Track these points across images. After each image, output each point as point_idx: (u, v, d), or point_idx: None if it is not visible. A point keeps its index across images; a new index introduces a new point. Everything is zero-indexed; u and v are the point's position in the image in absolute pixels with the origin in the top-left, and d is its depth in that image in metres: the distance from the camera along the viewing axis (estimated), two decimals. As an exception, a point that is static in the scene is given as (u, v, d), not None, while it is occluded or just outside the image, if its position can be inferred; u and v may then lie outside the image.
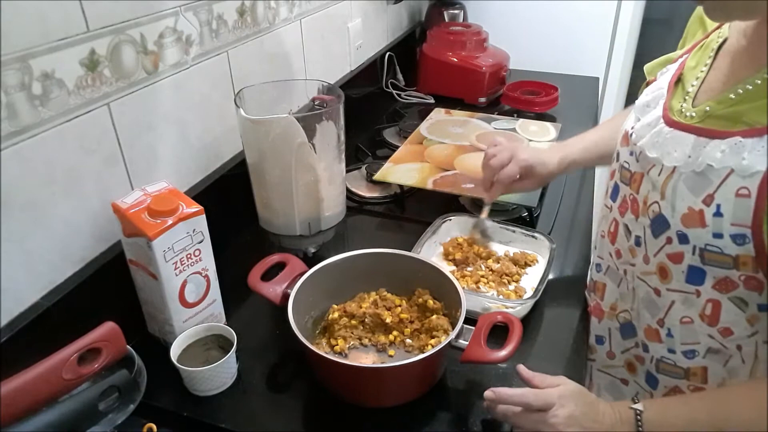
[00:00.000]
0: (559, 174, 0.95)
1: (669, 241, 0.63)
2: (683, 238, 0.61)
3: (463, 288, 0.76)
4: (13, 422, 0.56)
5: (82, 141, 0.72)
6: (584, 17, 1.92)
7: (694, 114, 0.63)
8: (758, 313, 0.61)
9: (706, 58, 0.66)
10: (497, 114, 1.54)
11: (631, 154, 0.70)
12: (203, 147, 0.96)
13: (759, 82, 0.57)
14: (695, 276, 0.62)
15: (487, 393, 0.65)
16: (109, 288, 0.76)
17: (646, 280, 0.69)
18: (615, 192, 0.75)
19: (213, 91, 0.96)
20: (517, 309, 0.82)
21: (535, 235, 0.96)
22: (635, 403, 0.63)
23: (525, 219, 1.09)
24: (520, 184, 0.93)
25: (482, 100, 1.63)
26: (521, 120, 1.46)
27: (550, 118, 1.51)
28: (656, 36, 3.44)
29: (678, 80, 0.69)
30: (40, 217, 0.68)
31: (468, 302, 0.73)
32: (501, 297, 0.86)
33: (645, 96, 0.73)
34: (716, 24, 0.68)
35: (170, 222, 0.70)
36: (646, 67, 0.84)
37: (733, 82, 0.60)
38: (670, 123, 0.64)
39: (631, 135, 0.71)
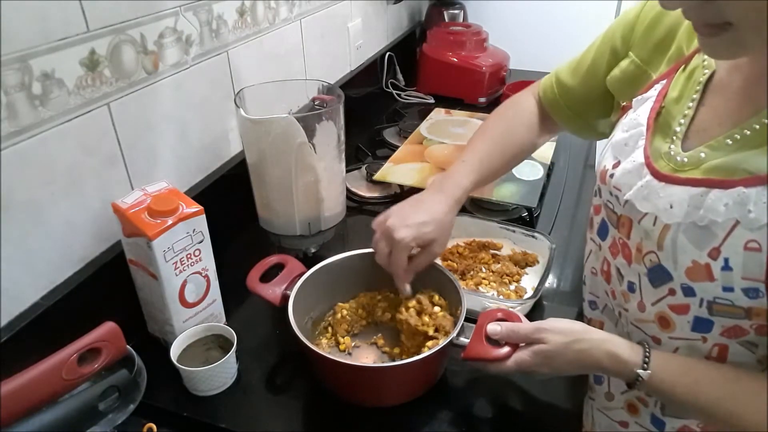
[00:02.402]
0: (452, 219, 0.79)
1: (672, 292, 0.58)
2: (689, 291, 0.56)
3: (464, 288, 0.76)
4: (13, 422, 0.57)
5: (82, 141, 0.72)
6: (584, 17, 1.92)
7: (686, 159, 0.57)
8: None
9: (692, 92, 0.60)
10: (497, 114, 1.54)
11: (612, 194, 0.64)
12: (203, 147, 0.96)
13: (757, 126, 0.53)
14: (702, 326, 0.57)
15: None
16: (109, 288, 0.76)
17: (642, 327, 0.64)
18: (603, 230, 0.68)
19: (213, 91, 0.96)
20: (517, 309, 0.82)
21: (535, 235, 0.96)
22: (645, 363, 0.58)
23: (525, 219, 1.09)
24: (423, 256, 0.76)
25: (482, 100, 1.63)
26: (521, 120, 1.46)
27: (550, 118, 1.51)
28: (656, 36, 3.45)
29: (658, 114, 0.62)
30: (40, 217, 0.68)
31: (468, 302, 0.73)
32: (501, 297, 0.86)
33: (622, 131, 0.65)
34: (694, 44, 0.62)
35: (170, 222, 0.70)
36: (610, 82, 0.74)
37: (729, 124, 0.55)
38: (660, 176, 0.58)
39: (611, 177, 0.64)
